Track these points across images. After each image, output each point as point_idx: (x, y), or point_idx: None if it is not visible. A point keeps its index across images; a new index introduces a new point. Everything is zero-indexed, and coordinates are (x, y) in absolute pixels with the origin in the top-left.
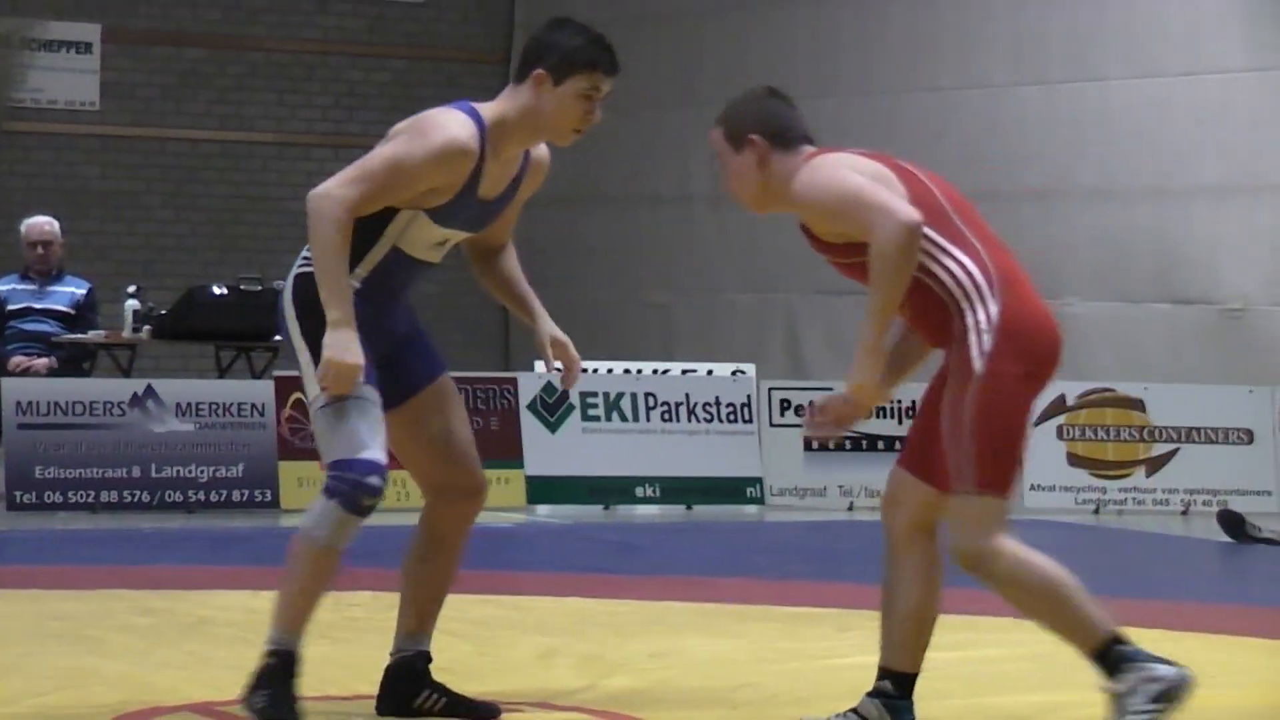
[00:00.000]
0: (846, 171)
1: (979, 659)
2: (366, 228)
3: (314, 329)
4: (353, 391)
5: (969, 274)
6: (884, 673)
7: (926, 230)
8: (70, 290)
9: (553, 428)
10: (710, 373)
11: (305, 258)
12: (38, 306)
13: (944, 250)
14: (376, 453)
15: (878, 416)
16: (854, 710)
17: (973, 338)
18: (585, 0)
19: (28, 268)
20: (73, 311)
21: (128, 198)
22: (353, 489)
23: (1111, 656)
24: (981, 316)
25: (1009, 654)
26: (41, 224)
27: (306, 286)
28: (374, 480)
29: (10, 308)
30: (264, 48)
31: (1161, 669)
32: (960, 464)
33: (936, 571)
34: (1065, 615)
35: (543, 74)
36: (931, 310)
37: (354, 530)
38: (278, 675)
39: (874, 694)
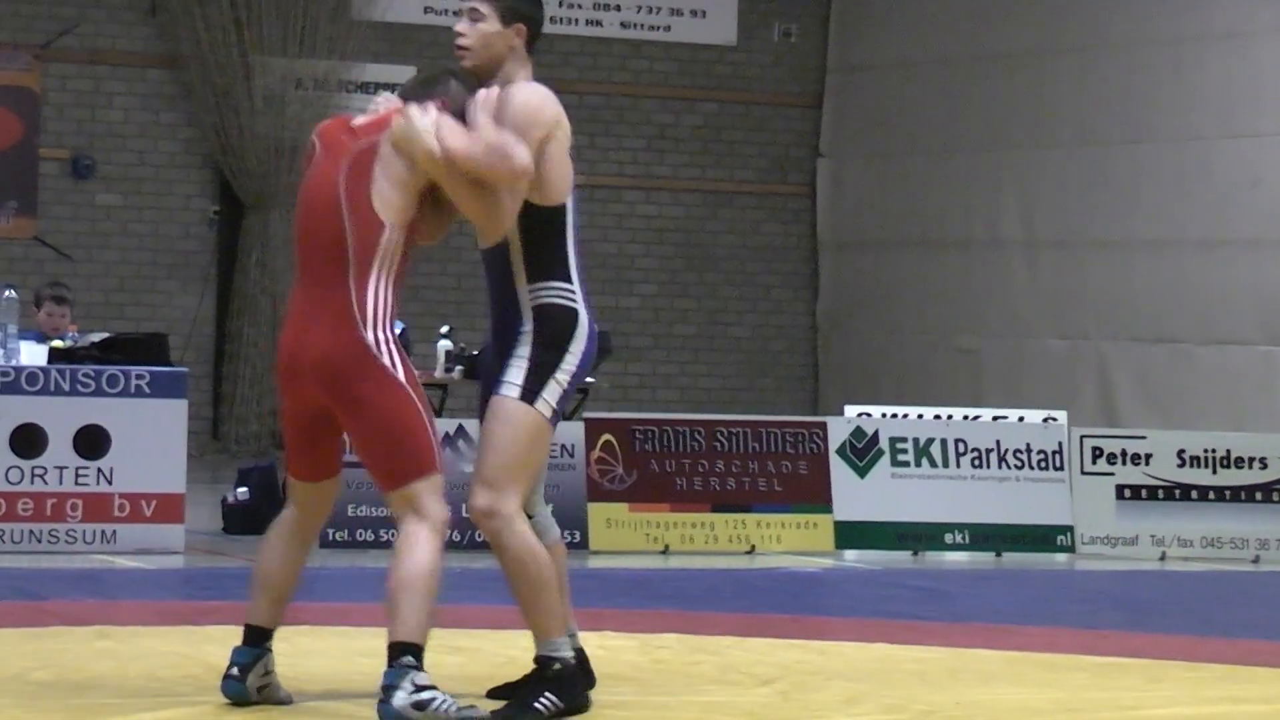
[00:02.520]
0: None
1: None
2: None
3: None
4: None
5: None
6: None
7: None
8: None
9: (862, 472)
10: (1021, 419)
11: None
12: None
13: None
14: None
15: (1191, 466)
16: None
17: None
18: (896, 44)
19: None
20: None
21: (442, 240)
22: None
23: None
24: None
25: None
26: None
27: None
28: None
29: None
30: (576, 90)
31: None
32: None
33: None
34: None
35: None
36: None
37: None
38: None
39: None
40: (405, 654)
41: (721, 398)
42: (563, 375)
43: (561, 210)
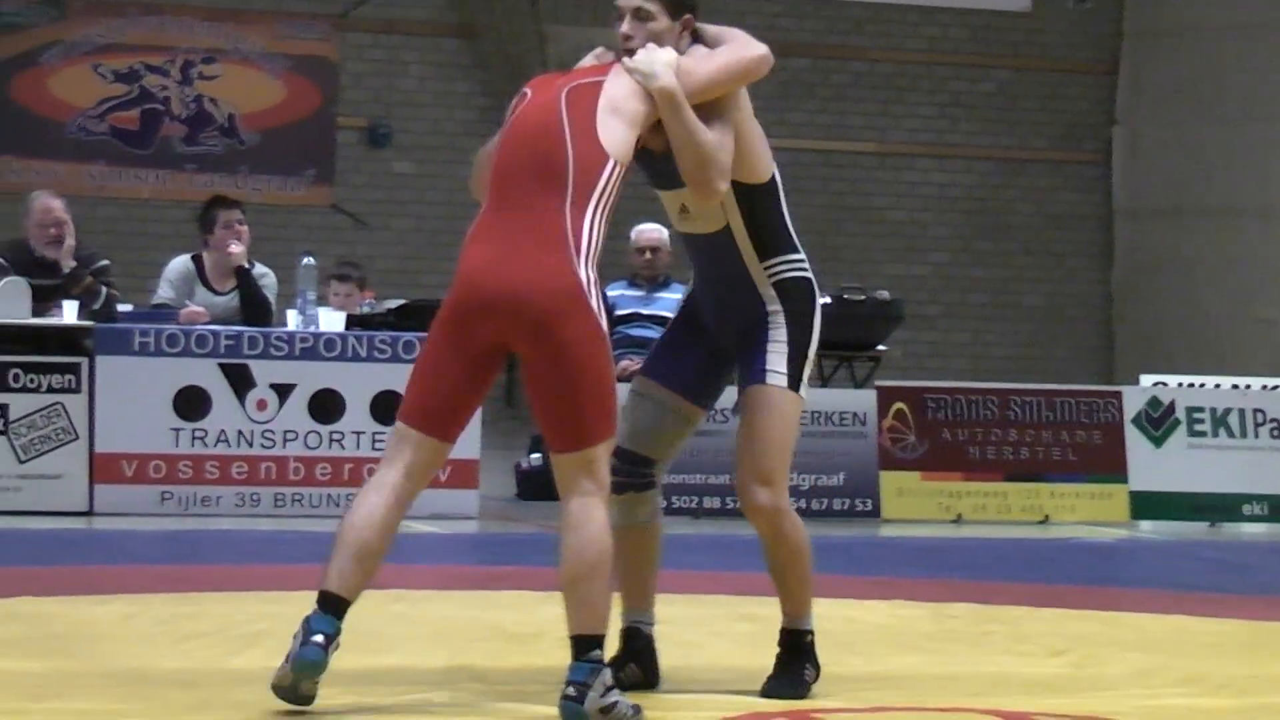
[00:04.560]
0: None
1: None
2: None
3: None
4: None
5: None
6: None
7: None
8: (676, 297)
9: (1158, 442)
10: None
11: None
12: (644, 313)
13: None
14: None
15: None
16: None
17: None
18: (1195, 10)
19: (635, 274)
20: None
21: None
22: None
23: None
24: None
25: None
26: (651, 231)
27: None
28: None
29: (618, 313)
30: (867, 57)
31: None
32: None
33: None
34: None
35: None
36: None
37: (620, 508)
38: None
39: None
40: (594, 648)
41: (1014, 366)
42: (813, 352)
43: (774, 183)
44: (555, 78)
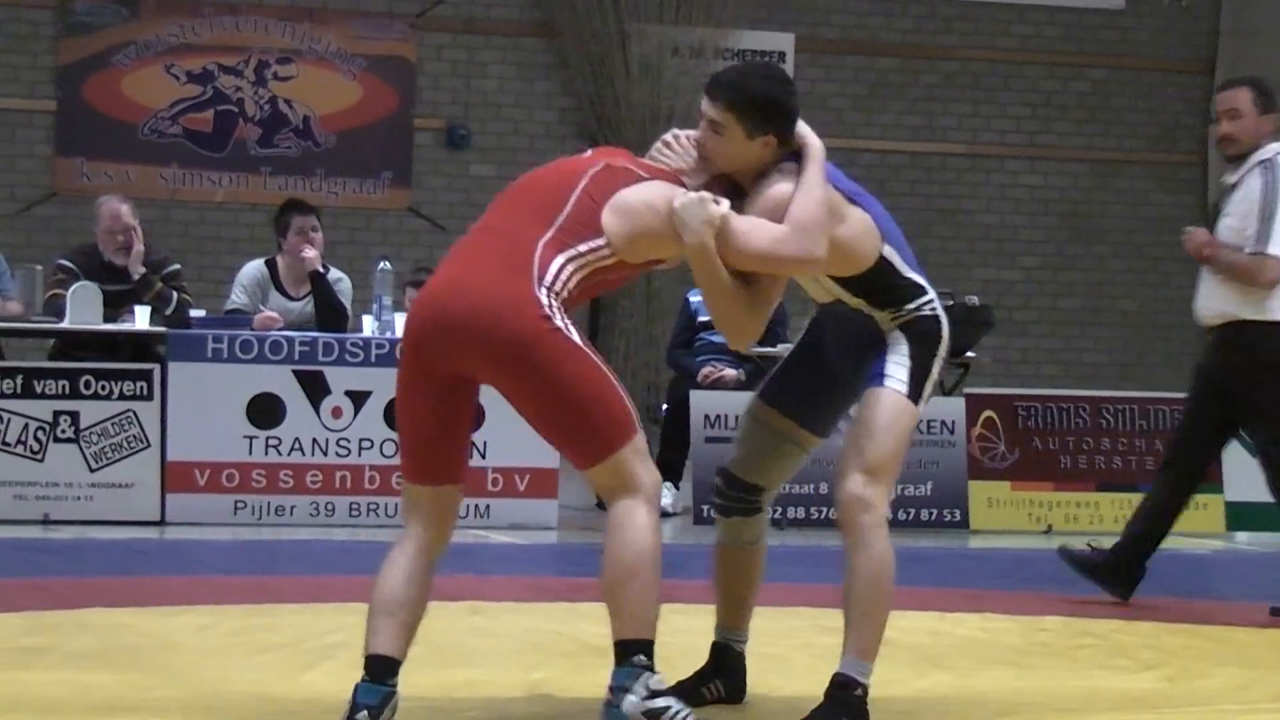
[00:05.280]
0: None
1: None
2: None
3: None
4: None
5: None
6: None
7: None
8: None
9: (1255, 451)
10: None
11: None
12: None
13: None
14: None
15: None
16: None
17: None
18: None
19: None
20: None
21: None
22: None
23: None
24: None
25: None
26: None
27: None
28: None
29: (701, 319)
30: (957, 56)
31: None
32: None
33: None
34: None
35: None
36: None
37: (725, 530)
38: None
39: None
40: (637, 652)
41: (1108, 373)
42: (935, 373)
43: (882, 259)
44: (616, 151)
